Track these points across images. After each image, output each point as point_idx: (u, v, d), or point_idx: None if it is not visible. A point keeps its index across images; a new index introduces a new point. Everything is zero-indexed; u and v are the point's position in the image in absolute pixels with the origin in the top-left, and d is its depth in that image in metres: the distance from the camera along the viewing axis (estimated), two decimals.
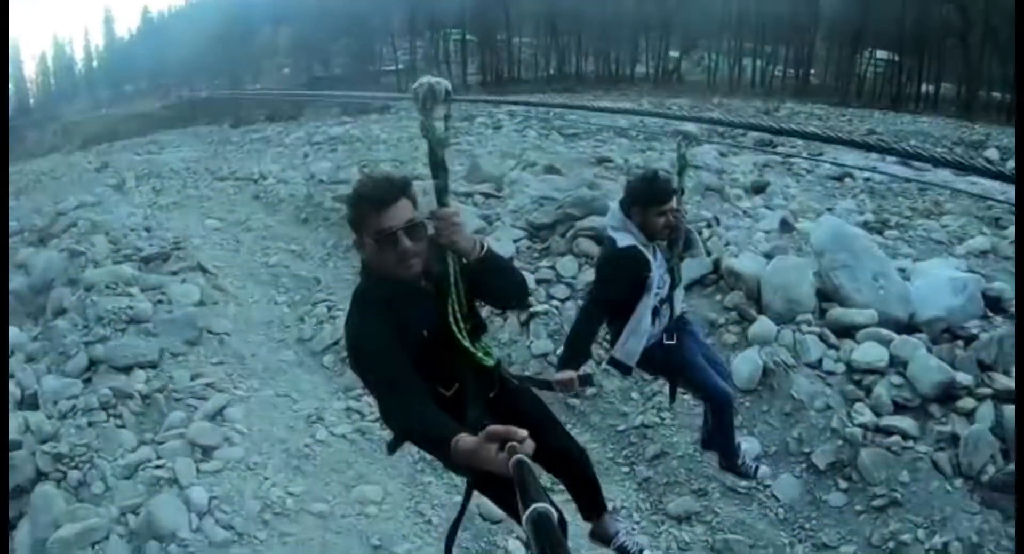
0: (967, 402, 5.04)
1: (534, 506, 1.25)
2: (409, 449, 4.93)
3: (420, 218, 2.34)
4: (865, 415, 4.96)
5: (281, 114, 30.55)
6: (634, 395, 5.36)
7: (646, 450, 4.92)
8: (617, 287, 3.57)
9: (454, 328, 2.37)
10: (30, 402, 5.46)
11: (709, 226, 7.36)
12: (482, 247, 2.34)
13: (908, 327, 5.79)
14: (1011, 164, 21.59)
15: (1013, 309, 6.01)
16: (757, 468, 4.11)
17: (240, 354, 6.22)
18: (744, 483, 4.97)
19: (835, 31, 56.97)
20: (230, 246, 9.54)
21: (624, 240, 3.56)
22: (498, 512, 4.40)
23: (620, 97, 35.02)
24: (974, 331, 5.54)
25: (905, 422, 4.92)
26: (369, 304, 2.38)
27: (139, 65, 57.98)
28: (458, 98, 2.96)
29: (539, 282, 6.58)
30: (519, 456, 1.56)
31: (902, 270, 6.67)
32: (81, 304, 6.38)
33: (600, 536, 3.11)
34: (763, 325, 5.59)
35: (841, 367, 5.33)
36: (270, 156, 18.29)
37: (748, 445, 4.40)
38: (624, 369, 3.72)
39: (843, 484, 4.75)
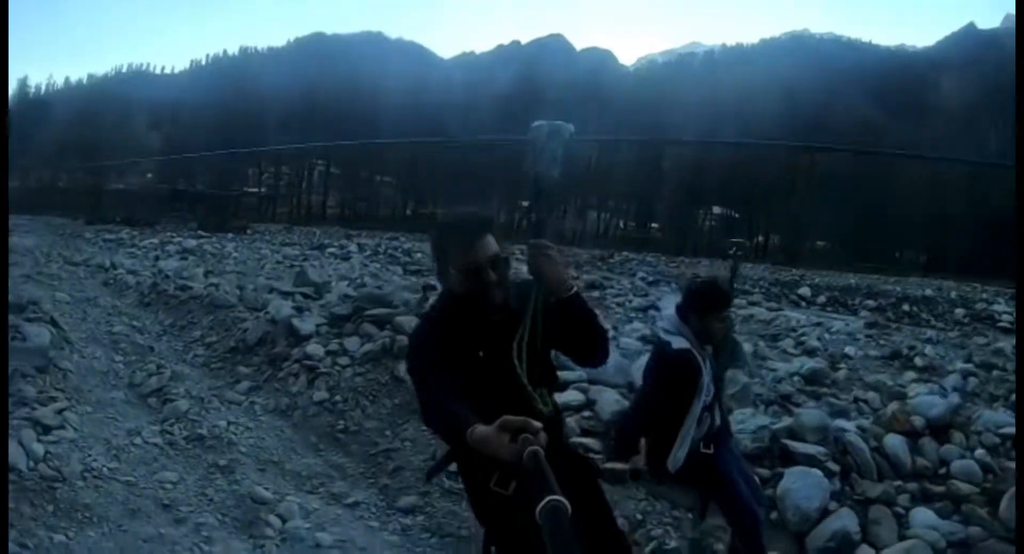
0: None
1: (548, 498, 1.28)
2: (204, 456, 6.53)
3: (503, 252, 2.45)
4: None
5: (138, 219, 30.87)
6: (387, 432, 7.08)
7: (388, 466, 6.50)
8: (672, 388, 3.66)
9: (515, 357, 2.44)
10: None
11: None
12: (571, 288, 2.46)
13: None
14: (821, 299, 25.42)
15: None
16: None
17: (79, 388, 7.51)
18: (461, 485, 6.57)
19: (676, 190, 62.69)
20: (78, 316, 10.79)
21: (679, 343, 3.68)
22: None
23: None
24: None
25: (589, 441, 6.41)
26: (436, 314, 2.54)
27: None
28: (579, 138, 3.09)
29: (329, 353, 8.40)
30: (534, 447, 1.58)
31: None
32: None
33: None
34: None
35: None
36: (122, 254, 19.40)
37: None
38: (661, 477, 3.87)
39: None
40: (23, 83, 72.24)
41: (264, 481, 6.17)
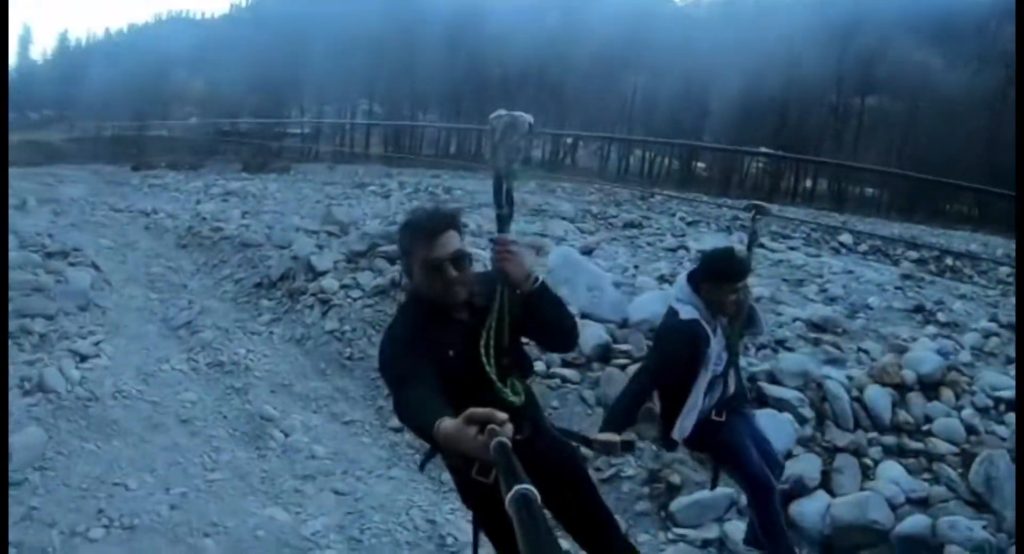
0: (622, 361, 6.67)
1: (517, 487, 1.30)
2: (223, 380, 7.34)
3: (466, 249, 2.51)
4: (536, 367, 6.28)
5: (183, 163, 31.92)
6: None
7: (386, 390, 6.94)
8: (674, 358, 3.57)
9: (483, 355, 2.44)
10: None
11: None
12: (536, 280, 2.48)
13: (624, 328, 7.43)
14: (863, 247, 24.91)
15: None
16: None
17: (116, 323, 8.36)
18: None
19: (723, 127, 61.19)
20: (118, 259, 11.70)
21: (687, 313, 3.57)
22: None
23: None
24: None
25: (568, 371, 6.70)
26: (404, 316, 2.55)
27: (47, 92, 58.31)
28: (539, 131, 2.86)
29: (343, 287, 9.09)
30: (500, 439, 1.58)
31: None
32: None
33: None
34: None
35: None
36: (165, 199, 20.34)
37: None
38: (671, 445, 3.80)
39: None
40: (63, 36, 73.72)
41: (273, 401, 6.95)
